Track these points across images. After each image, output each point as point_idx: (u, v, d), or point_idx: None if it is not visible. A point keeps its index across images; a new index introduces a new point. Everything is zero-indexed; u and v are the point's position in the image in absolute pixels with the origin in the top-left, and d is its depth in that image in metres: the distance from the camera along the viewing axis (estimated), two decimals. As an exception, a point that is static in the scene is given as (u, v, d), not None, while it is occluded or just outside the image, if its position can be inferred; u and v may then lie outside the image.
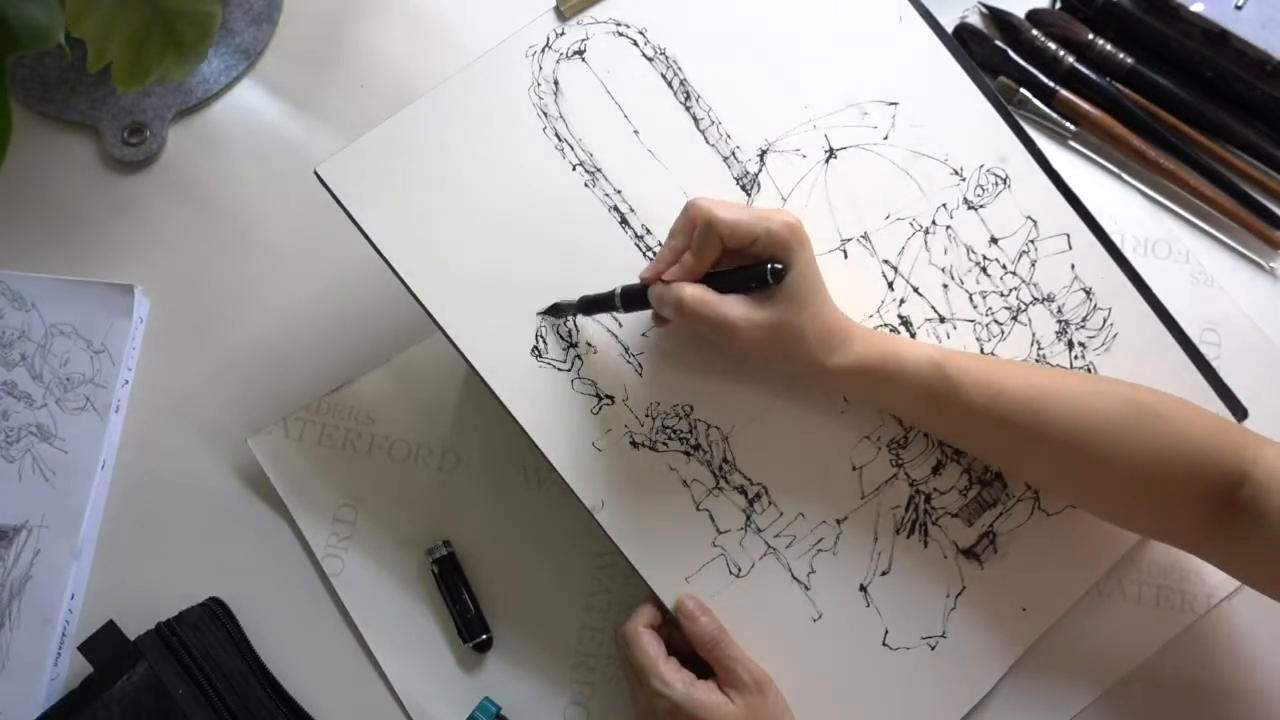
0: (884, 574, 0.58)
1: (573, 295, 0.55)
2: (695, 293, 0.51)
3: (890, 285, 0.59)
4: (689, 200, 0.53)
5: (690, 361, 0.57)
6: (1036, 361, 0.60)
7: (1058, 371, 0.58)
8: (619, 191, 0.58)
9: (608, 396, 0.56)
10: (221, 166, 0.70)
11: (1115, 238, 0.62)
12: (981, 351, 0.60)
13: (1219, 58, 0.71)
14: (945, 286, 0.60)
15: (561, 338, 0.56)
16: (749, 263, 0.52)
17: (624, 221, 0.58)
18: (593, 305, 0.55)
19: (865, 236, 0.60)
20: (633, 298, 0.54)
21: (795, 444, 0.57)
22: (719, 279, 0.52)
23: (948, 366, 0.53)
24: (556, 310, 0.56)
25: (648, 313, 0.56)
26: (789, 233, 0.51)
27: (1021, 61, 0.72)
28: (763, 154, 0.59)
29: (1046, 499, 0.60)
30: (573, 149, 0.58)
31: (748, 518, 0.57)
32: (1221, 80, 0.71)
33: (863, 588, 0.57)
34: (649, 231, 0.58)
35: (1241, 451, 0.51)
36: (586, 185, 0.58)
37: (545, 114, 0.58)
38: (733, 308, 0.51)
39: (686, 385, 0.57)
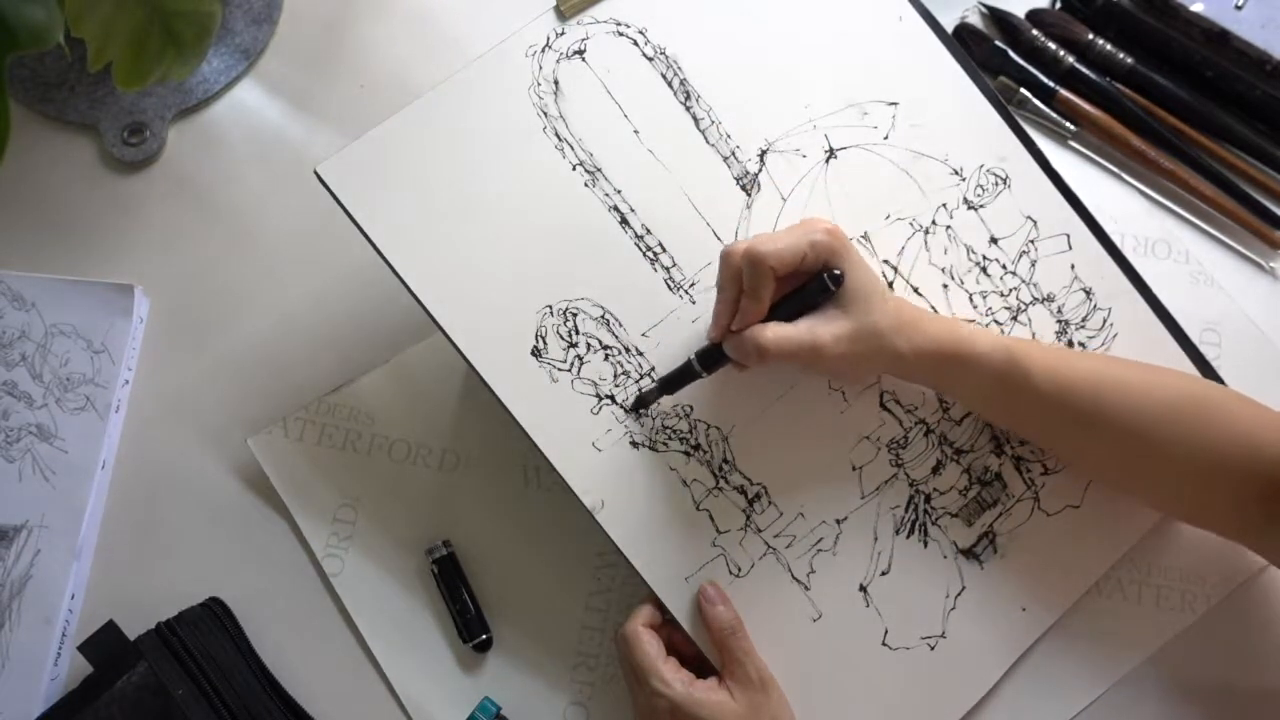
0: (884, 574, 0.58)
1: (591, 299, 0.56)
2: (773, 332, 0.51)
3: (890, 285, 0.59)
4: (722, 251, 0.52)
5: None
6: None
7: (1120, 360, 0.59)
8: (619, 191, 0.58)
9: (608, 397, 0.56)
10: (221, 166, 0.70)
11: (1115, 238, 0.62)
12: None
13: (1219, 58, 0.71)
14: (945, 286, 0.60)
15: (562, 338, 0.56)
16: (802, 283, 0.52)
17: (624, 221, 0.58)
18: (674, 383, 0.55)
19: (865, 236, 0.60)
20: (710, 358, 0.54)
21: (795, 444, 0.57)
22: (784, 308, 0.52)
23: (1017, 352, 0.53)
24: (643, 401, 0.56)
25: (653, 319, 0.56)
26: (832, 238, 0.52)
27: (1021, 61, 0.72)
28: (763, 154, 0.59)
29: (1046, 500, 0.60)
30: (573, 149, 0.58)
31: (748, 518, 0.57)
32: (1221, 80, 0.71)
33: (862, 588, 0.57)
34: (649, 231, 0.58)
35: None
36: (586, 185, 0.58)
37: (545, 114, 0.58)
38: (812, 330, 0.51)
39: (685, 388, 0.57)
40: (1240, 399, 0.55)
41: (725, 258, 0.52)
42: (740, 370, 0.55)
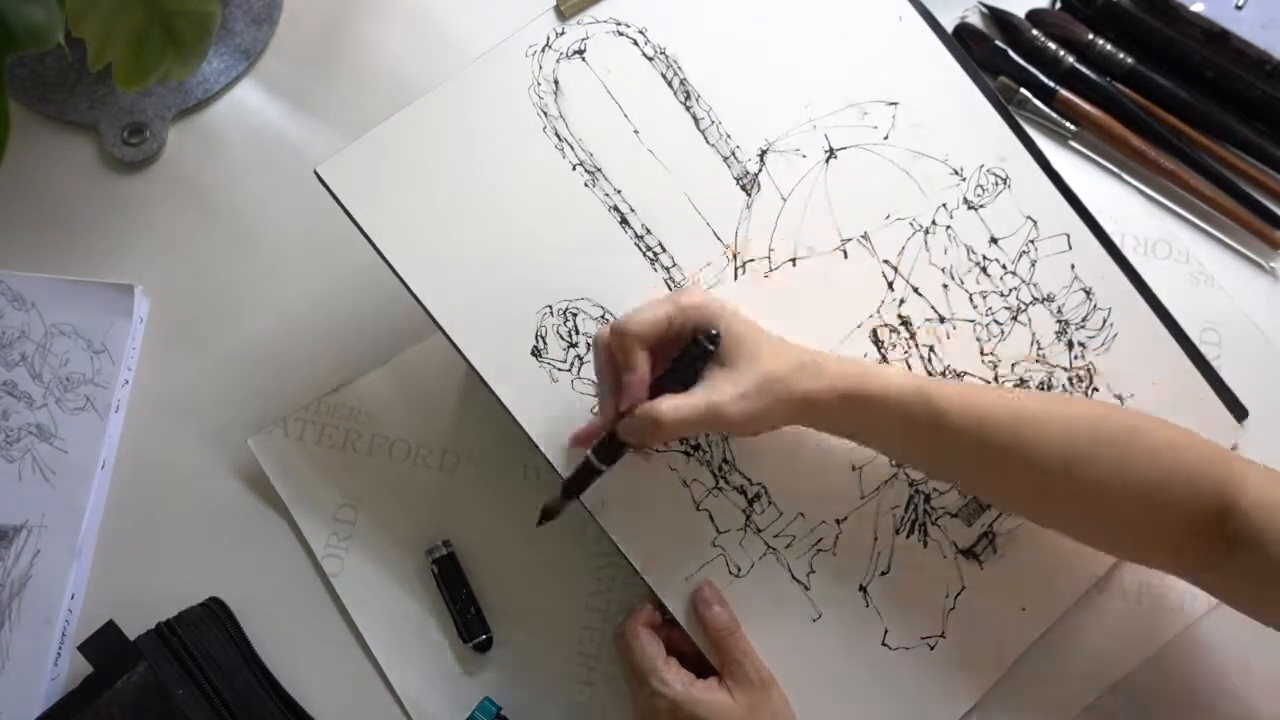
0: (883, 574, 0.58)
1: (591, 299, 0.56)
2: (668, 404, 0.49)
3: (890, 285, 0.59)
4: (595, 335, 0.51)
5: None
6: (1036, 362, 0.60)
7: (1038, 395, 0.56)
8: (619, 191, 0.58)
9: (608, 396, 0.56)
10: (221, 166, 0.70)
11: (1115, 238, 0.62)
12: (981, 352, 0.60)
13: (1219, 58, 0.71)
14: (945, 286, 0.60)
15: (562, 338, 0.56)
16: (678, 354, 0.50)
17: (624, 221, 0.58)
18: (576, 484, 0.53)
19: (865, 236, 0.60)
20: (608, 450, 0.52)
21: (795, 444, 0.57)
22: (670, 381, 0.50)
23: (929, 389, 0.51)
24: (549, 514, 0.54)
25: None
26: (692, 299, 0.50)
27: (1021, 61, 0.72)
28: (763, 154, 0.59)
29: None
30: (573, 149, 0.58)
31: (747, 518, 0.57)
32: (1221, 80, 0.71)
33: (862, 588, 0.57)
34: (649, 231, 0.58)
35: (1226, 476, 0.50)
36: (586, 185, 0.58)
37: (545, 114, 0.58)
38: (708, 395, 0.49)
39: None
40: (1170, 429, 0.52)
41: (594, 342, 0.51)
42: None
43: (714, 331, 0.50)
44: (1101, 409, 0.55)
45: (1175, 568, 0.54)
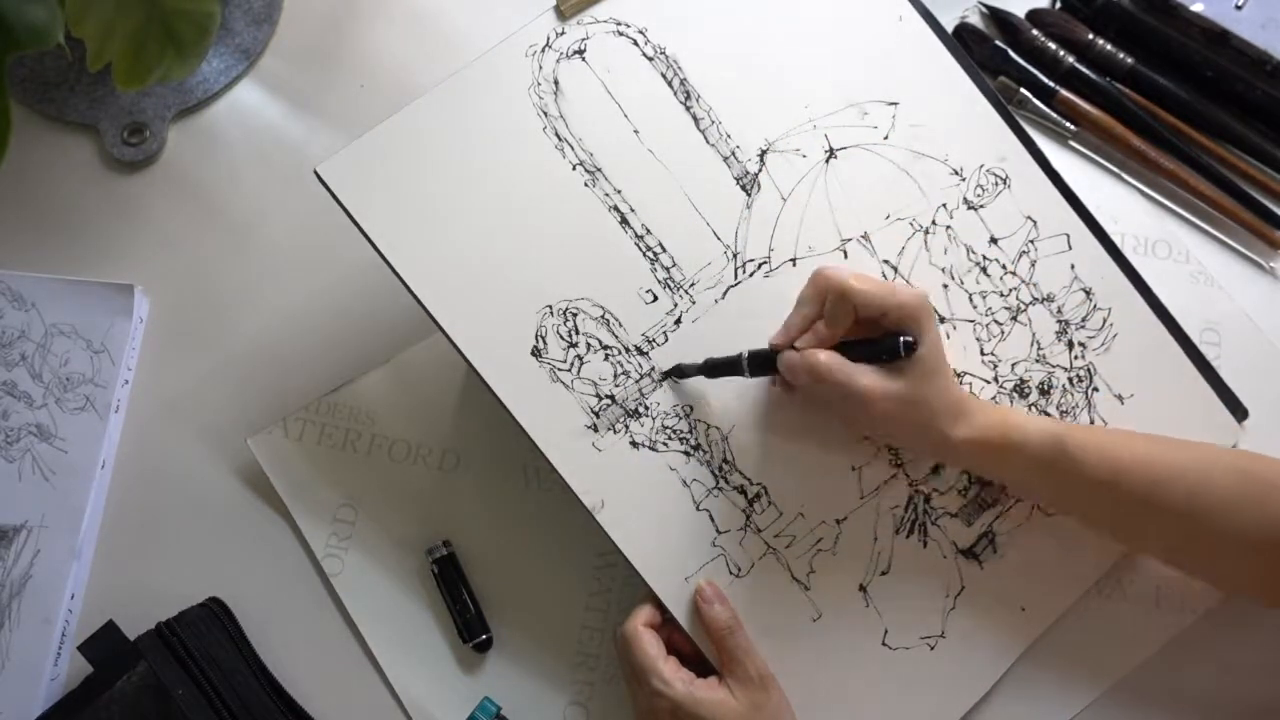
0: (883, 574, 0.58)
1: (591, 299, 0.56)
2: (831, 360, 0.51)
3: (890, 285, 0.59)
4: (817, 269, 0.53)
5: (690, 361, 0.57)
6: (1036, 362, 0.60)
7: (1173, 441, 0.57)
8: (619, 191, 0.58)
9: (608, 397, 0.56)
10: (221, 166, 0.70)
11: (1115, 238, 0.62)
12: (982, 352, 0.60)
13: (1219, 58, 0.71)
14: (945, 287, 0.60)
15: (562, 338, 0.56)
16: (876, 334, 0.52)
17: (624, 221, 0.58)
18: (718, 369, 0.55)
19: (865, 236, 0.60)
20: (761, 362, 0.54)
21: (795, 444, 0.57)
22: (850, 349, 0.52)
23: (1067, 439, 0.53)
24: (679, 371, 0.56)
25: (654, 318, 0.56)
26: (919, 306, 0.51)
27: (1021, 61, 0.72)
28: (763, 154, 0.59)
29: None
30: (573, 149, 0.58)
31: (747, 518, 0.57)
32: (1221, 80, 0.71)
33: (862, 588, 0.57)
34: (649, 231, 0.58)
35: None
36: (586, 185, 0.58)
37: (545, 114, 0.58)
38: (866, 377, 0.51)
39: (685, 385, 0.57)
40: None
41: (816, 277, 0.53)
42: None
43: (912, 341, 0.51)
44: (1235, 458, 0.57)
45: None
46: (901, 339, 0.51)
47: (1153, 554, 0.59)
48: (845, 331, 0.52)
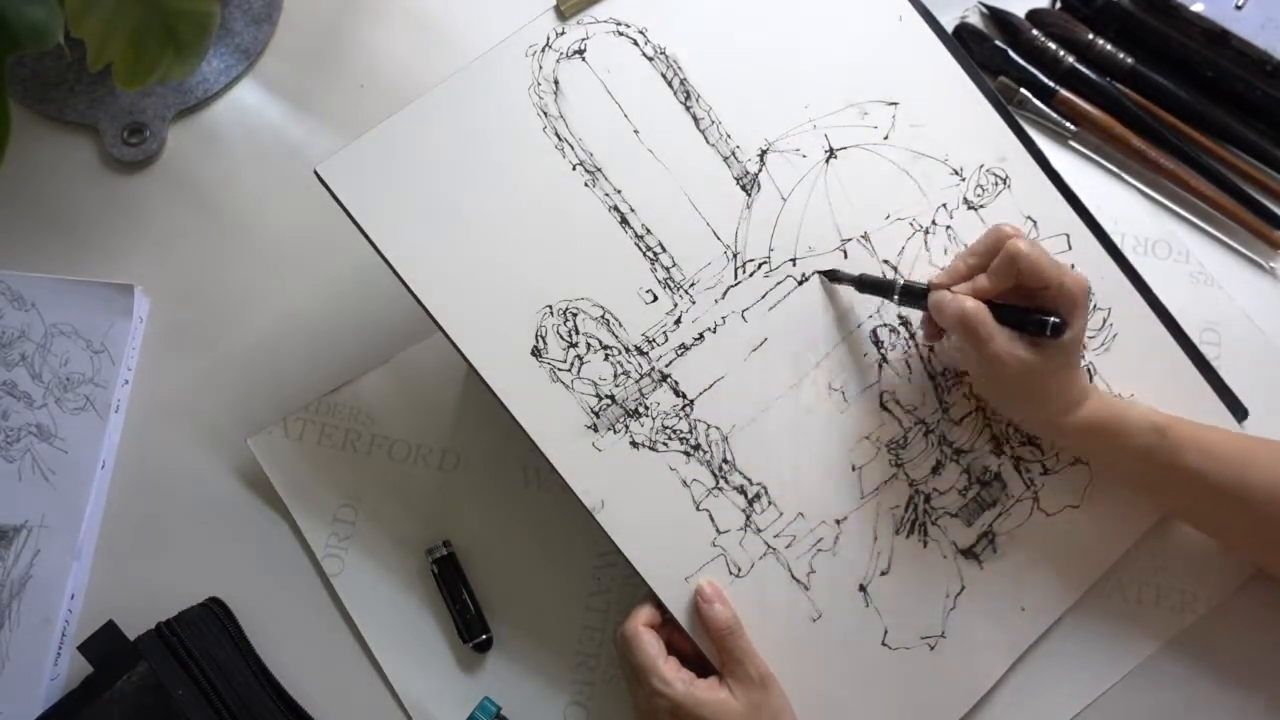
0: (883, 574, 0.58)
1: (591, 299, 0.56)
2: (979, 311, 0.52)
3: (890, 285, 0.59)
4: (998, 225, 0.54)
5: (690, 361, 0.57)
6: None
7: (1265, 440, 0.59)
8: (619, 191, 0.58)
9: (608, 397, 0.56)
10: (221, 166, 0.70)
11: (1115, 238, 0.62)
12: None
13: (1219, 58, 0.71)
14: (945, 286, 0.60)
15: (562, 338, 0.56)
16: (1028, 305, 0.53)
17: (624, 221, 0.58)
18: (871, 286, 0.57)
19: (865, 237, 0.60)
20: (912, 295, 0.56)
21: (795, 444, 0.57)
22: (1000, 310, 0.53)
23: (1168, 431, 0.55)
24: (834, 275, 0.58)
25: (654, 318, 0.55)
26: (1080, 294, 0.53)
27: (1021, 61, 0.72)
28: (763, 154, 0.59)
29: (1046, 499, 0.60)
30: (573, 149, 0.58)
31: (747, 518, 0.57)
32: (1221, 80, 0.71)
33: (862, 588, 0.57)
34: (649, 231, 0.58)
35: None
36: (586, 185, 0.58)
37: (545, 114, 0.58)
38: (1005, 340, 0.52)
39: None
40: None
41: (996, 231, 0.54)
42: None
43: (1061, 323, 0.52)
44: None
45: None
46: (1052, 320, 0.52)
47: (1240, 548, 0.60)
48: (1003, 294, 0.53)
